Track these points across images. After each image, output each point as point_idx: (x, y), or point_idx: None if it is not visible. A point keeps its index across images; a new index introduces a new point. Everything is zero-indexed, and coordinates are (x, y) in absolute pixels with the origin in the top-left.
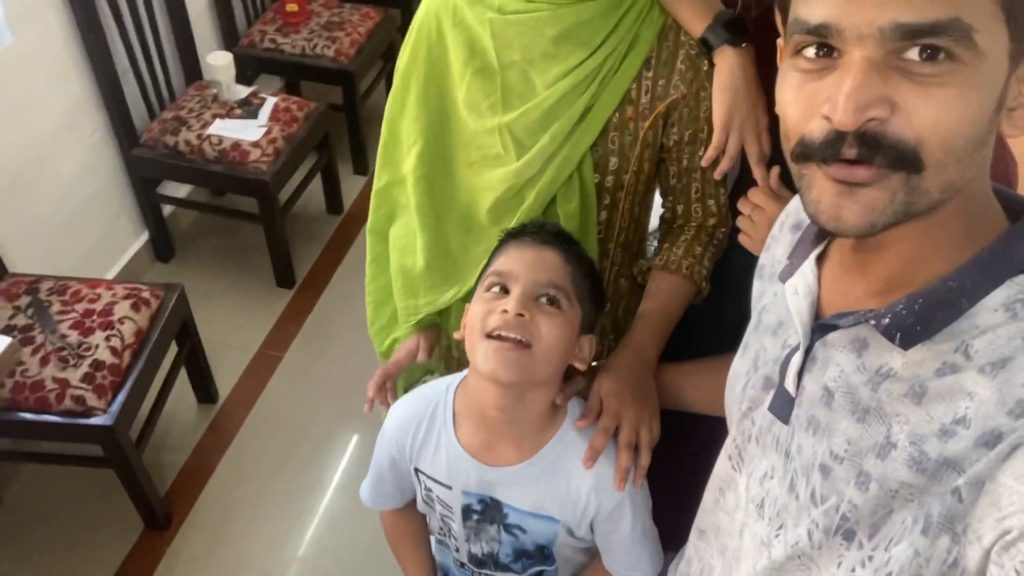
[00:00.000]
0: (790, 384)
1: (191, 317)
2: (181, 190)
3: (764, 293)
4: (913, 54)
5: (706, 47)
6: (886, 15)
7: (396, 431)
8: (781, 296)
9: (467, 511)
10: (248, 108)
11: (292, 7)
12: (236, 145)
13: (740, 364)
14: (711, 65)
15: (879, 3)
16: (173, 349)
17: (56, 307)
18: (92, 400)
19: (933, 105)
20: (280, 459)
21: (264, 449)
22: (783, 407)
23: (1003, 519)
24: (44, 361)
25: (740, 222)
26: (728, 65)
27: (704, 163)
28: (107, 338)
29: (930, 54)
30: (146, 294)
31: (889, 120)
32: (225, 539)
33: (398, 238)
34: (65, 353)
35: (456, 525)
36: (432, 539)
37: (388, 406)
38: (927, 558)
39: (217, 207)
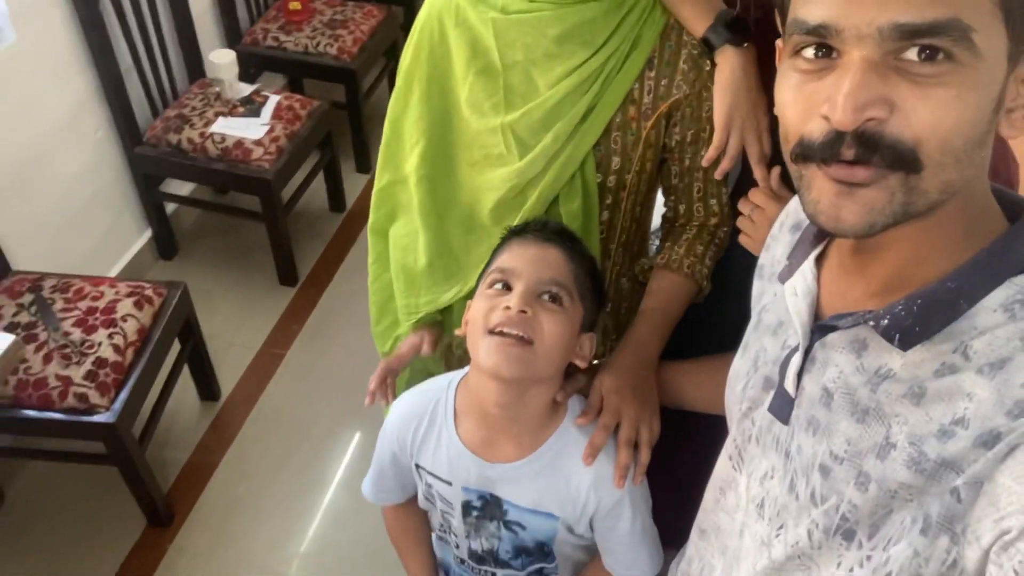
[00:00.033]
0: (790, 385)
1: (194, 315)
2: (184, 188)
3: (764, 293)
4: (912, 54)
5: (708, 47)
6: (885, 15)
7: (397, 427)
8: (781, 296)
9: (467, 507)
10: (251, 106)
11: (295, 5)
12: (239, 143)
13: (740, 364)
14: (713, 65)
15: (878, 3)
16: (176, 347)
17: (59, 305)
18: (95, 397)
19: (932, 105)
20: (282, 456)
21: (266, 446)
22: (783, 407)
23: (1001, 519)
24: (47, 358)
25: (740, 222)
26: (729, 65)
27: (705, 163)
28: (110, 336)
29: (929, 54)
30: (149, 292)
31: (888, 120)
32: (227, 536)
33: (399, 237)
34: (68, 351)
35: (456, 521)
36: (433, 536)
37: (388, 402)
38: (927, 558)
39: (220, 205)
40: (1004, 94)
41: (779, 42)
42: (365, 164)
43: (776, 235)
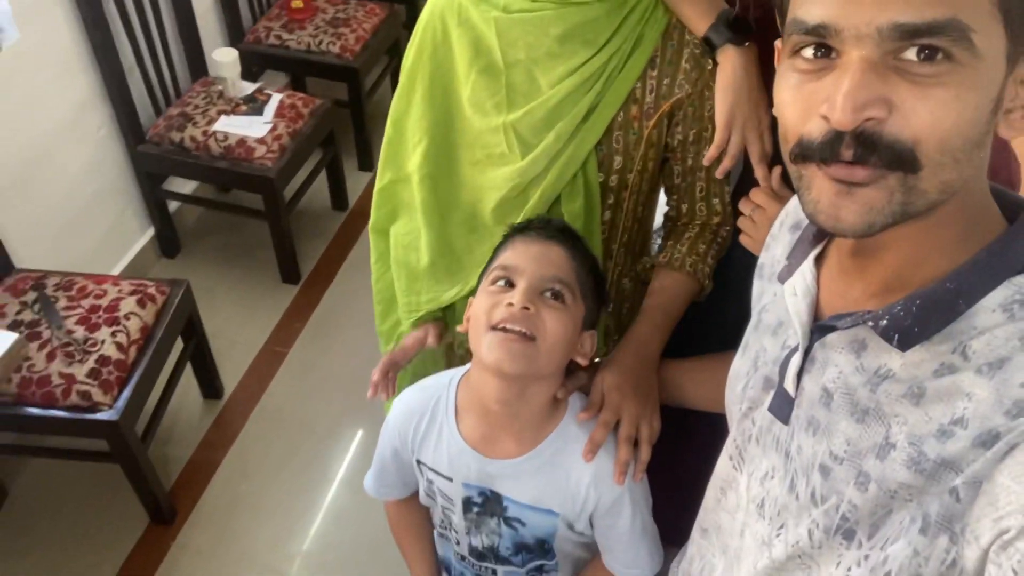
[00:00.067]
0: (789, 385)
1: (196, 313)
2: (187, 186)
3: (764, 293)
4: (911, 54)
5: (709, 46)
6: (884, 15)
7: (399, 422)
8: (780, 296)
9: (467, 503)
10: (253, 104)
11: (297, 3)
12: (241, 141)
13: (740, 364)
14: (714, 64)
15: (877, 3)
16: (179, 345)
17: (62, 303)
18: (98, 395)
19: (931, 105)
20: (285, 454)
21: (269, 444)
22: (783, 407)
23: (1000, 519)
24: (50, 356)
25: (741, 222)
26: (731, 64)
27: (706, 162)
28: (113, 334)
29: (928, 54)
30: (152, 290)
31: (886, 120)
32: (230, 534)
33: (401, 235)
34: (71, 349)
35: (457, 518)
36: (434, 532)
37: (388, 396)
38: (926, 557)
39: (222, 203)
40: (1003, 95)
41: (778, 43)
42: (367, 162)
43: (776, 234)
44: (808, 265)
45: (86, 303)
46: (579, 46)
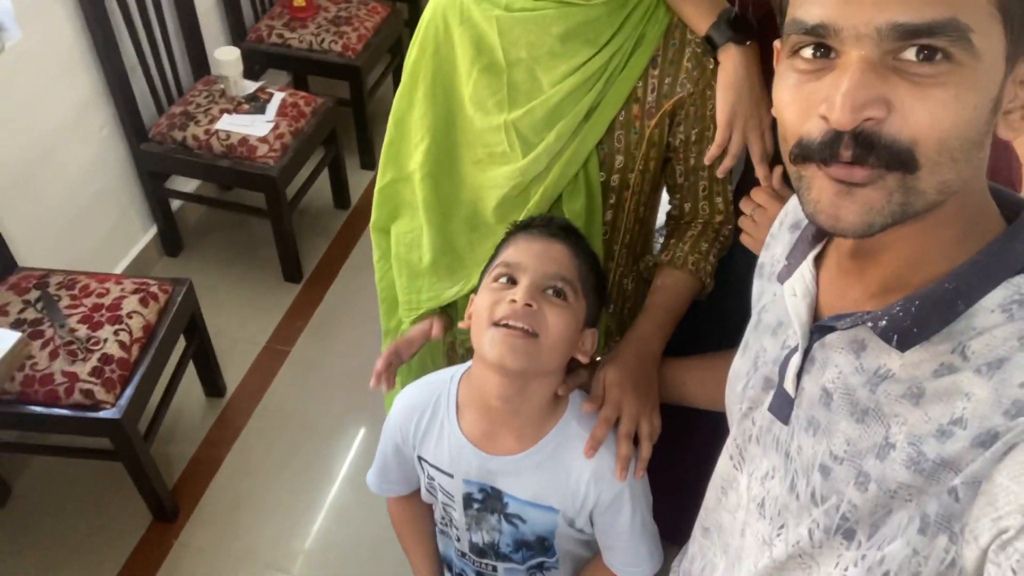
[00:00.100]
0: (789, 385)
1: (199, 311)
2: (189, 185)
3: (764, 292)
4: (910, 54)
5: (711, 45)
6: (883, 15)
7: (400, 418)
8: (780, 296)
9: (468, 500)
10: (256, 103)
11: (299, 2)
12: (244, 140)
13: (740, 364)
14: (716, 63)
15: (877, 3)
16: (181, 343)
17: (65, 301)
18: (101, 393)
19: (929, 105)
20: (287, 452)
21: (271, 442)
22: (783, 407)
23: (999, 519)
24: (53, 355)
25: (742, 222)
26: (732, 63)
27: (707, 161)
28: (116, 332)
29: (927, 54)
30: (154, 288)
31: (885, 120)
32: (232, 532)
33: (403, 234)
34: (74, 347)
35: (457, 514)
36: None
37: (388, 389)
38: (925, 557)
39: (225, 202)
40: (1002, 95)
41: (777, 43)
42: (370, 161)
43: (776, 234)
44: (807, 265)
45: (89, 302)
46: (581, 45)
